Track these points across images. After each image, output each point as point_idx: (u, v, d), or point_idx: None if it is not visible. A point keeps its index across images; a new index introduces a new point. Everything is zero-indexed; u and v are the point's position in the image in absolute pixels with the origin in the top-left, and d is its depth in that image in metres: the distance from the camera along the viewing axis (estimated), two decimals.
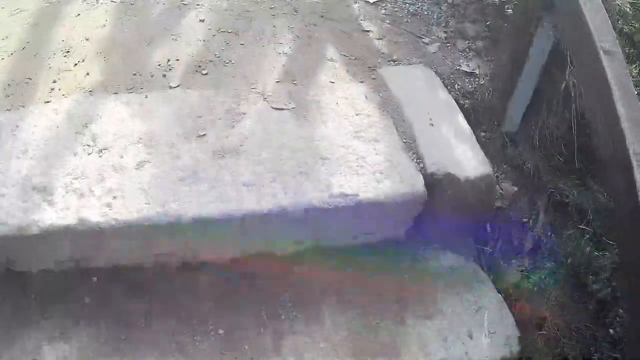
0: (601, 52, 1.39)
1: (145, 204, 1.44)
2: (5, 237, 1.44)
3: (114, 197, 1.46)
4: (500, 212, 1.76)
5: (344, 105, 1.70)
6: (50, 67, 1.94)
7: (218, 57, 1.92)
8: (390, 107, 1.71)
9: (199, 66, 1.88)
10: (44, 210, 1.45)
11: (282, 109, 1.67)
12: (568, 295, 1.61)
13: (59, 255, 1.52)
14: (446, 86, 1.87)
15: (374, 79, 1.83)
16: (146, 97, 1.72)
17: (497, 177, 1.79)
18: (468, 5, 2.17)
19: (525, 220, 1.77)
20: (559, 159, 1.82)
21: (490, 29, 2.02)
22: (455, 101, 1.83)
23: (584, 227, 1.65)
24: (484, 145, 1.82)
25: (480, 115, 1.87)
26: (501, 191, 1.77)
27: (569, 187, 1.76)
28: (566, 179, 1.78)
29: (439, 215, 1.60)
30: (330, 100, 1.72)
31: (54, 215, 1.44)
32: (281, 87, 1.76)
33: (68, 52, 2.00)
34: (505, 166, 1.82)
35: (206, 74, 1.83)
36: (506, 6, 1.89)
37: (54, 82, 1.86)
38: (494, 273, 1.69)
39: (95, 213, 1.43)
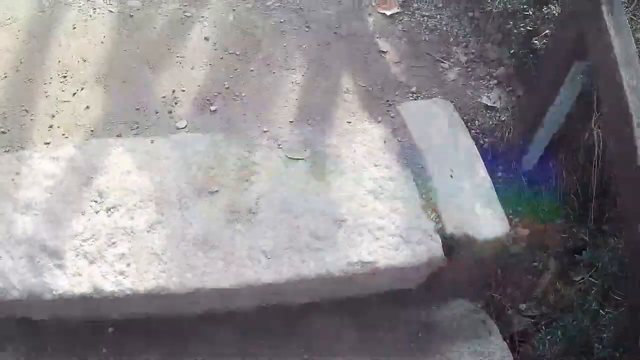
0: (636, 129, 1.32)
1: (161, 272, 1.42)
2: (17, 300, 1.42)
3: (127, 264, 1.43)
4: (513, 256, 1.75)
5: (361, 153, 1.63)
6: (47, 96, 1.83)
7: (227, 88, 1.81)
8: (409, 154, 1.65)
9: (207, 100, 1.78)
10: (56, 276, 1.42)
11: (297, 159, 1.60)
12: (572, 347, 1.63)
13: (73, 314, 1.51)
14: (466, 123, 1.79)
15: (392, 117, 1.75)
16: (152, 142, 1.64)
17: (511, 219, 1.77)
18: (489, 21, 2.03)
19: (536, 264, 1.76)
20: (574, 201, 1.79)
21: (513, 56, 1.90)
22: (475, 140, 1.77)
23: (592, 279, 1.65)
24: (501, 186, 1.78)
25: (499, 154, 1.81)
26: (514, 235, 1.75)
27: (582, 232, 1.74)
28: (580, 224, 1.76)
29: (453, 269, 1.59)
30: (347, 147, 1.65)
31: (66, 282, 1.41)
32: (295, 130, 1.68)
33: (65, 76, 1.88)
34: (520, 208, 1.79)
35: (215, 110, 1.74)
36: (534, 38, 1.77)
37: (53, 116, 1.76)
38: (501, 319, 1.71)
39: (109, 282, 1.41)
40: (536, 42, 1.80)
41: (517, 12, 1.90)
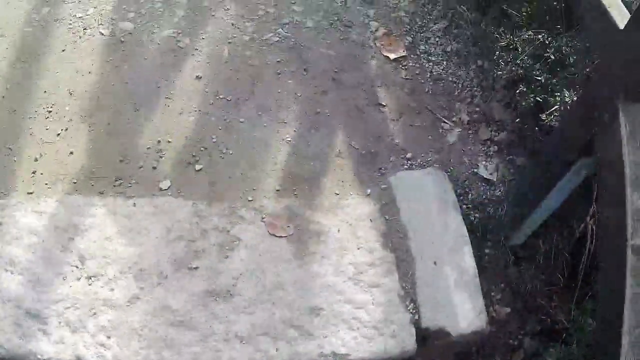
0: (629, 250, 1.29)
1: (140, 348, 1.44)
2: (2, 358, 1.47)
3: (108, 337, 1.45)
4: (489, 334, 1.76)
5: (346, 233, 1.60)
6: (31, 134, 1.78)
7: (214, 141, 1.75)
8: (395, 236, 1.61)
9: (193, 155, 1.72)
10: (40, 341, 1.45)
11: (279, 237, 1.57)
12: None
13: None
14: (459, 196, 1.74)
15: (383, 188, 1.69)
16: (134, 205, 1.61)
17: (492, 296, 1.76)
18: (498, 75, 1.90)
19: (512, 342, 1.78)
20: (560, 280, 1.77)
21: (518, 123, 1.81)
22: (466, 216, 1.72)
23: None
24: (488, 261, 1.76)
25: (489, 230, 1.77)
26: (494, 314, 1.75)
27: (562, 315, 1.74)
28: (561, 306, 1.75)
29: (425, 354, 1.61)
30: (332, 225, 1.61)
31: (50, 348, 1.44)
32: (281, 201, 1.63)
33: (50, 111, 1.82)
34: (502, 285, 1.77)
35: (200, 170, 1.68)
36: (542, 113, 1.66)
37: (36, 160, 1.72)
38: None
39: (91, 352, 1.44)
40: (543, 117, 1.71)
41: (527, 77, 1.78)
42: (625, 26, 1.39)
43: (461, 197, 1.75)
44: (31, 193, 1.66)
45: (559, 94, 1.61)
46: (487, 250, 1.77)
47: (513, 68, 1.79)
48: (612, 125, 1.38)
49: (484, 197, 1.77)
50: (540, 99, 1.74)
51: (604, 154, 1.45)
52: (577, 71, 1.77)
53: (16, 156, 1.73)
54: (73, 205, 1.62)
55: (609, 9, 1.47)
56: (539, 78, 1.79)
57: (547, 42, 1.86)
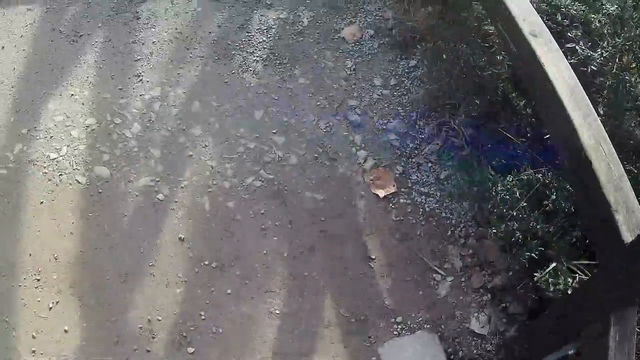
0: None
1: None
2: None
3: None
4: None
5: None
6: (25, 305, 1.80)
7: (203, 319, 1.74)
8: None
9: (184, 336, 1.72)
10: None
11: None
12: None
13: None
14: (449, 355, 1.74)
15: None
16: None
17: None
18: (493, 213, 1.78)
19: None
20: None
21: (511, 276, 1.73)
22: None
23: None
24: None
25: None
26: None
27: None
28: None
29: None
30: None
31: None
32: None
33: (38, 279, 1.82)
34: None
35: (192, 353, 1.70)
36: (536, 273, 1.58)
37: (34, 337, 1.76)
38: None
39: None
40: (536, 275, 1.63)
41: (523, 228, 1.68)
42: (632, 242, 1.29)
43: (452, 357, 1.75)
44: None
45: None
46: None
47: (508, 223, 1.69)
48: (602, 335, 1.34)
49: (475, 352, 1.77)
50: (535, 254, 1.66)
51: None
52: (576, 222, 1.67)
53: (14, 330, 1.77)
54: None
55: (615, 213, 1.35)
56: (537, 229, 1.69)
57: (547, 182, 1.73)
